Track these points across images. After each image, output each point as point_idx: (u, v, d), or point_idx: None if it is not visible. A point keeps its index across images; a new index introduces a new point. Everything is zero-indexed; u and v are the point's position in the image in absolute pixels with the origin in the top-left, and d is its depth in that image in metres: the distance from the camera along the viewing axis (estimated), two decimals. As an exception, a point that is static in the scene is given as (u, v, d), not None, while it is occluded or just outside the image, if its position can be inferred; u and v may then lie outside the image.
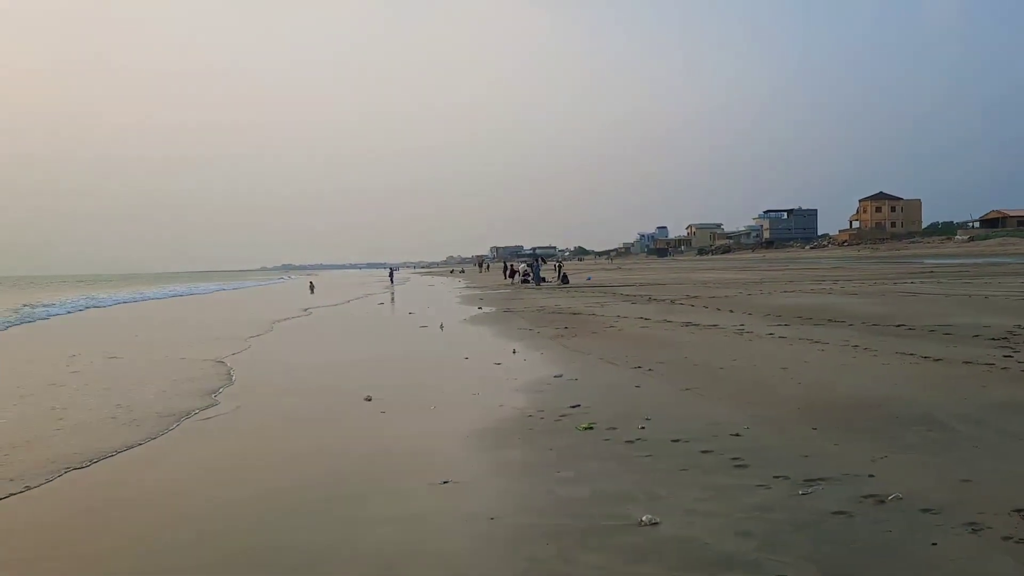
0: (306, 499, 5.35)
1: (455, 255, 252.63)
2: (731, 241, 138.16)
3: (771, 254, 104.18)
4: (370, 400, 8.90)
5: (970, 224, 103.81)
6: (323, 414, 8.50)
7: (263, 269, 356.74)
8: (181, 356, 14.19)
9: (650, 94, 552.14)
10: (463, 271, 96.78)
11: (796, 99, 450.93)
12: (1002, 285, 23.92)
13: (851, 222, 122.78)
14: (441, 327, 18.29)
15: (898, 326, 13.62)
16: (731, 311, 18.34)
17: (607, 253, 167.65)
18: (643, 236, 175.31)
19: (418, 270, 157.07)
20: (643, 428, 6.84)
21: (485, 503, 5.04)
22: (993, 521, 4.18)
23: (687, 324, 15.74)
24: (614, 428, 6.89)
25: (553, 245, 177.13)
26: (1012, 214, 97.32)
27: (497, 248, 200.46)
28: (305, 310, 27.83)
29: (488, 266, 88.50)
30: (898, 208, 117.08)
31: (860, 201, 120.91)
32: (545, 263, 47.03)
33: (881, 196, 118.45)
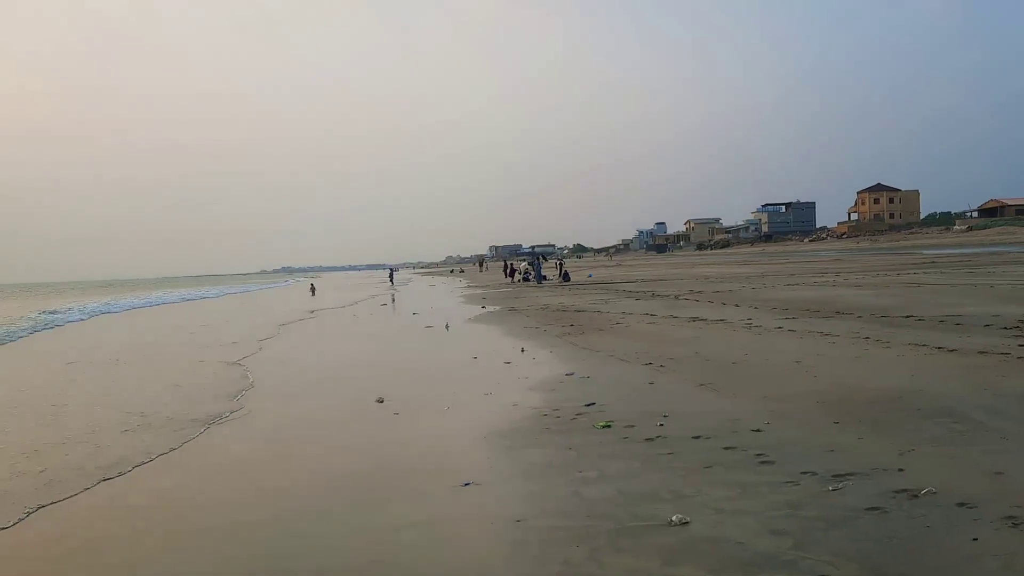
0: (326, 505, 5.26)
1: (454, 255, 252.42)
2: (730, 235, 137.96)
3: (770, 248, 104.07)
4: (382, 402, 8.82)
5: (968, 214, 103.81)
6: (337, 418, 8.40)
7: (263, 272, 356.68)
8: (200, 359, 14.45)
9: (647, 91, 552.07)
10: (462, 271, 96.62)
11: (793, 94, 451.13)
12: (1006, 274, 23.87)
13: (849, 214, 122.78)
14: (447, 327, 18.20)
15: (907, 317, 13.54)
16: (736, 305, 18.27)
17: (606, 250, 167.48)
18: (641, 232, 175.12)
19: (418, 270, 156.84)
20: (661, 425, 6.76)
21: (510, 505, 4.96)
22: (1031, 514, 4.10)
23: (694, 319, 15.67)
24: (632, 426, 6.81)
25: (552, 243, 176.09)
26: (1010, 203, 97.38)
27: (496, 247, 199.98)
28: (311, 312, 27.73)
29: (487, 265, 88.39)
30: (896, 199, 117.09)
31: (858, 193, 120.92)
32: (546, 261, 46.89)
33: (879, 187, 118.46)
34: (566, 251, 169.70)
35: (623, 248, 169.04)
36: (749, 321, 14.55)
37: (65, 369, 14.44)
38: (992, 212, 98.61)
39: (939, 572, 3.59)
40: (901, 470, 5.05)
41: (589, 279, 41.25)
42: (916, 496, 4.53)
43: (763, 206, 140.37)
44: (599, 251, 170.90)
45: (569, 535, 4.33)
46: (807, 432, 6.21)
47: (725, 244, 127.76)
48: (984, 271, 25.93)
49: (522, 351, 12.69)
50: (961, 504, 4.34)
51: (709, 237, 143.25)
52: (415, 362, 12.73)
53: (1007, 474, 4.81)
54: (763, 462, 5.46)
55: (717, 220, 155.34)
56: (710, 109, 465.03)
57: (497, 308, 23.99)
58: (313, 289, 49.36)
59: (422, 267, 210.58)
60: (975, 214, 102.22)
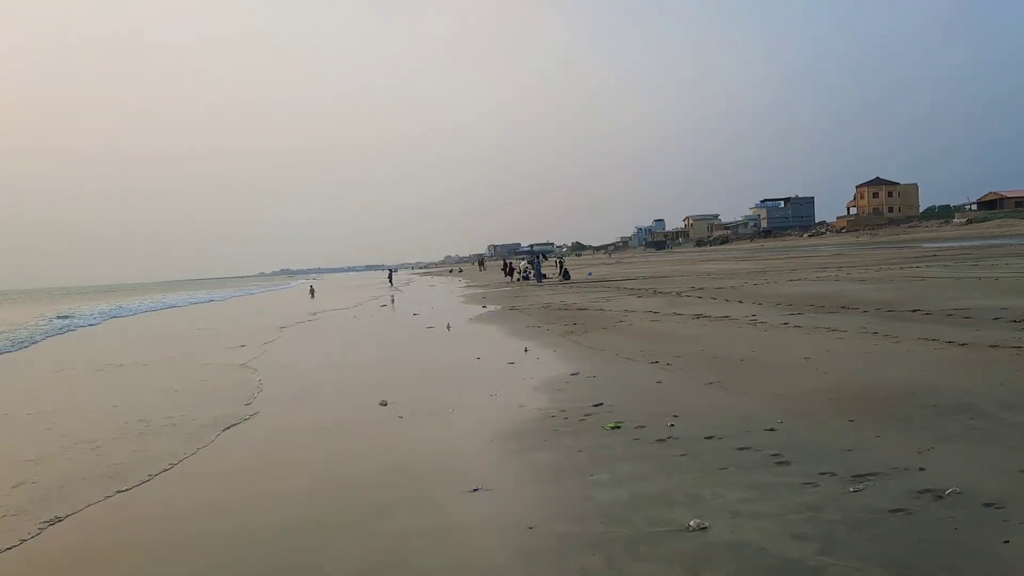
0: (332, 512, 5.12)
1: (453, 254, 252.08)
2: (729, 231, 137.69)
3: (770, 243, 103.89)
4: (385, 405, 8.67)
5: (967, 207, 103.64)
6: (341, 422, 8.25)
7: (261, 274, 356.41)
8: (210, 362, 14.63)
9: (645, 90, 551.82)
10: (461, 270, 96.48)
11: (791, 89, 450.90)
12: (1009, 267, 23.71)
13: (848, 208, 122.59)
14: (448, 327, 18.06)
15: (913, 311, 13.41)
16: (740, 301, 18.13)
17: (605, 248, 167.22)
18: (640, 230, 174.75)
19: (417, 270, 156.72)
20: (672, 426, 6.62)
21: (521, 511, 4.82)
22: (1062, 514, 3.96)
23: (698, 316, 15.53)
24: (642, 427, 6.67)
25: (550, 241, 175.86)
26: (1009, 195, 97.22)
27: (495, 246, 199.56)
28: (312, 315, 27.57)
29: (486, 265, 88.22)
30: (895, 193, 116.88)
31: (857, 187, 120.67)
32: (546, 259, 46.76)
33: (878, 181, 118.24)
34: (565, 249, 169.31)
35: (622, 246, 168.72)
36: (754, 317, 14.42)
37: (82, 375, 14.35)
38: (991, 204, 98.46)
39: (972, 577, 3.46)
40: (922, 469, 4.91)
41: (589, 277, 41.12)
42: (941, 497, 4.39)
43: (762, 202, 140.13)
44: (598, 249, 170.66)
45: (584, 542, 4.19)
46: (822, 431, 6.07)
47: (724, 240, 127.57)
48: (987, 264, 25.78)
49: (525, 351, 12.54)
50: (988, 505, 4.20)
51: (708, 233, 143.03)
52: (417, 364, 12.58)
53: (1033, 472, 4.67)
54: (779, 463, 5.32)
55: (716, 216, 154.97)
56: (707, 106, 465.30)
57: (498, 307, 23.85)
58: (312, 291, 49.23)
59: (421, 267, 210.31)
60: (974, 207, 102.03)
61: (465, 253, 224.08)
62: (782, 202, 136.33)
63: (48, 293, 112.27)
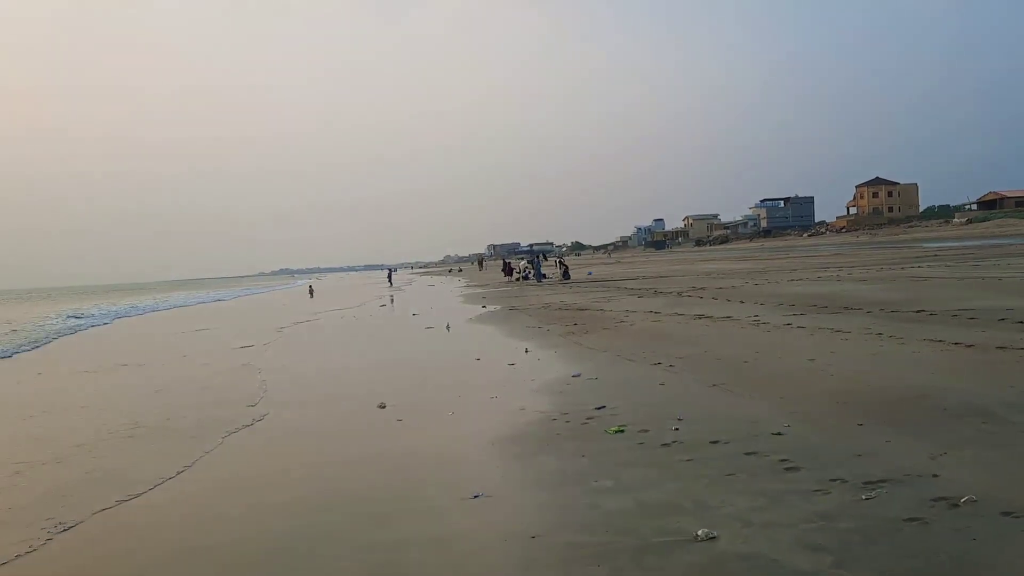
0: (328, 521, 4.97)
1: (452, 254, 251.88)
2: (729, 231, 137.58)
3: (770, 243, 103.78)
4: (383, 407, 8.53)
5: (967, 207, 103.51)
6: (338, 426, 8.11)
7: (260, 274, 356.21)
8: (216, 363, 14.57)
9: (643, 88, 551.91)
10: (460, 270, 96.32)
11: (789, 87, 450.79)
12: (1011, 267, 23.57)
13: (848, 208, 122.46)
14: (448, 328, 17.92)
15: (918, 312, 13.26)
16: (741, 302, 17.98)
17: (604, 247, 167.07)
18: (640, 229, 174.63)
19: (416, 270, 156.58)
20: (677, 429, 6.48)
21: (523, 519, 4.67)
22: (1084, 524, 3.83)
23: (700, 317, 15.39)
24: (646, 430, 6.54)
25: (550, 241, 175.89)
26: (1009, 195, 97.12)
27: (494, 246, 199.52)
28: (312, 315, 27.42)
29: (486, 265, 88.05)
30: (895, 193, 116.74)
31: (857, 187, 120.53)
32: (546, 259, 46.63)
33: (878, 181, 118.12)
34: (564, 249, 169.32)
35: (621, 245, 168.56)
36: (756, 318, 14.27)
37: (103, 375, 14.26)
38: (991, 204, 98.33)
39: (994, 591, 3.32)
40: (936, 476, 4.77)
41: (589, 277, 40.97)
42: (956, 505, 4.25)
43: (761, 201, 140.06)
44: (597, 248, 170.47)
45: (589, 553, 4.05)
46: (831, 435, 5.93)
47: (724, 240, 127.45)
48: (990, 264, 25.65)
49: (526, 352, 12.40)
50: (1007, 513, 4.06)
51: (708, 233, 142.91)
52: (416, 365, 12.44)
53: (1051, 479, 4.54)
54: (788, 468, 5.19)
55: (715, 216, 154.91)
56: (707, 106, 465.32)
57: (498, 308, 23.70)
58: (311, 291, 49.08)
59: (420, 267, 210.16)
60: (974, 207, 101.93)
61: (464, 253, 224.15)
62: (782, 202, 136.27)
63: (49, 293, 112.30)
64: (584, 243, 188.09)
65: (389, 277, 63.13)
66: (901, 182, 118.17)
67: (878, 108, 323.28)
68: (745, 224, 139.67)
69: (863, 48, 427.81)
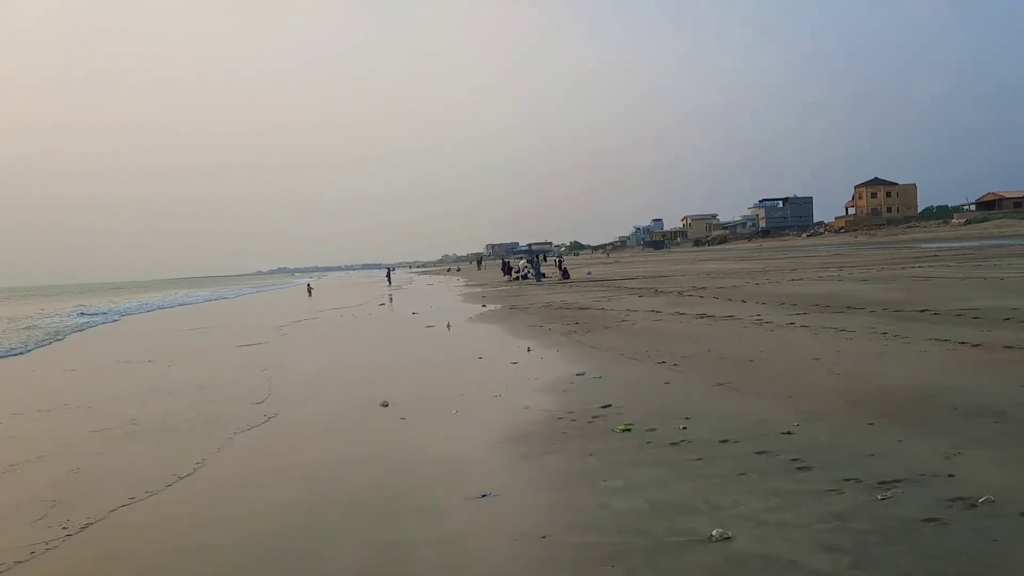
0: (333, 521, 4.89)
1: (451, 253, 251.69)
2: (727, 231, 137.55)
3: (768, 243, 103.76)
4: (386, 406, 8.45)
5: (966, 207, 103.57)
6: (341, 424, 8.03)
7: (258, 273, 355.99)
8: (219, 361, 14.79)
9: (643, 88, 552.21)
10: (459, 270, 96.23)
11: (789, 88, 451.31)
12: (1013, 267, 23.54)
13: (847, 208, 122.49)
14: (448, 326, 17.84)
15: (922, 311, 13.21)
16: (743, 301, 17.92)
17: (603, 247, 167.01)
18: (638, 229, 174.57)
19: (415, 269, 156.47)
20: (684, 428, 6.41)
21: (532, 519, 4.59)
22: (1106, 525, 3.76)
23: (702, 316, 15.32)
24: (653, 429, 6.46)
25: (549, 241, 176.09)
26: (1008, 195, 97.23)
27: (493, 246, 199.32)
28: (312, 314, 27.32)
29: (485, 264, 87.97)
30: (894, 193, 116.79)
31: (855, 187, 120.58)
32: (545, 260, 46.59)
33: (876, 181, 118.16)
34: (563, 248, 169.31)
35: (620, 245, 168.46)
36: (759, 317, 14.21)
37: (111, 371, 14.26)
38: (990, 205, 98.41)
39: (1018, 593, 3.25)
40: (951, 475, 4.70)
41: (588, 276, 40.92)
42: (974, 505, 4.18)
43: (760, 201, 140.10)
44: (596, 248, 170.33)
45: (601, 553, 3.97)
46: (842, 434, 5.85)
47: (723, 240, 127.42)
48: (991, 264, 25.61)
49: (528, 350, 12.33)
50: (1026, 514, 3.99)
51: (706, 233, 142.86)
52: (417, 363, 12.36)
53: (1069, 480, 4.46)
54: (800, 468, 5.11)
55: (714, 216, 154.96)
56: (706, 106, 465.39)
57: (498, 307, 23.62)
58: (310, 290, 48.98)
59: (419, 266, 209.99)
60: (973, 207, 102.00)
61: (463, 252, 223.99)
62: (780, 202, 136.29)
63: (50, 291, 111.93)
64: (583, 243, 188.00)
65: (388, 276, 63.02)
66: (900, 182, 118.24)
67: (877, 108, 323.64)
68: (744, 224, 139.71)
69: (863, 49, 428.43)
